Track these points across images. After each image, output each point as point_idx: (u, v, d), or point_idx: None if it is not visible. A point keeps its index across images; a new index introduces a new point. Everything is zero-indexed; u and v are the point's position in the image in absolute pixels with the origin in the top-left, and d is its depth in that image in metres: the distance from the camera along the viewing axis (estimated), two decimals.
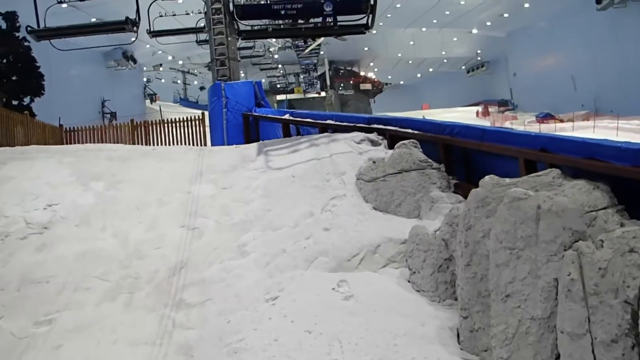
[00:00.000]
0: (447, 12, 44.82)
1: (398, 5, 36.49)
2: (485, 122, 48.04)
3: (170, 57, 53.78)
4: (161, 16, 16.46)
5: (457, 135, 5.55)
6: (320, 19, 7.84)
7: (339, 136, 7.13)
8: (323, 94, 58.85)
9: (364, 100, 65.31)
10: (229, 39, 10.98)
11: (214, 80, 11.35)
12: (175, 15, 17.32)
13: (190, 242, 5.61)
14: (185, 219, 5.98)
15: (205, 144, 13.41)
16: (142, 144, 13.65)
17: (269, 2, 8.23)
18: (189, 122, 13.82)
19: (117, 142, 13.43)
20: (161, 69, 56.71)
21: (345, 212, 5.57)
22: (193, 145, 13.62)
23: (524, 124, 39.01)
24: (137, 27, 8.92)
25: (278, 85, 61.96)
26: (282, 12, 7.84)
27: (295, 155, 6.87)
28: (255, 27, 8.65)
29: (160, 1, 14.44)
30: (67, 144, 13.27)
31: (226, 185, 6.47)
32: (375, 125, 6.97)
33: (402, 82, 75.23)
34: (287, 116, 9.38)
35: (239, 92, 10.83)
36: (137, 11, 8.91)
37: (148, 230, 5.87)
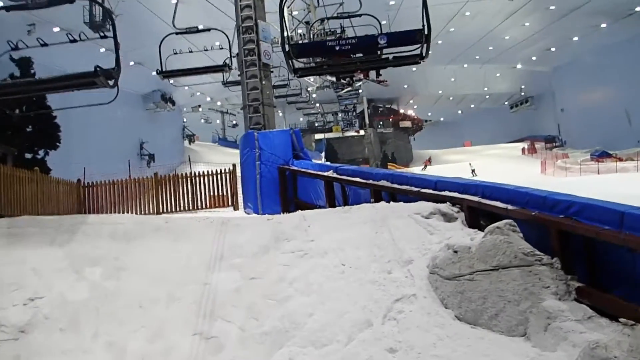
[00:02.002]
0: (491, 48, 43.74)
1: (439, 42, 35.31)
2: (532, 160, 46.06)
3: (208, 99, 54.05)
4: (175, 53, 14.77)
5: (577, 217, 3.89)
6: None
7: (400, 207, 5.54)
8: (362, 132, 57.84)
9: (403, 138, 64.07)
10: (264, 82, 9.76)
11: (246, 129, 10.06)
12: (191, 52, 15.71)
13: None
14: (200, 323, 4.51)
15: (236, 199, 12.13)
16: (167, 199, 12.52)
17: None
18: (219, 175, 12.58)
19: (140, 198, 12.30)
20: (200, 109, 56.98)
21: (417, 323, 3.98)
22: (223, 200, 12.40)
23: (577, 162, 36.75)
24: (116, 79, 6.82)
25: (316, 124, 61.39)
26: (337, 48, 7.34)
27: (344, 233, 5.28)
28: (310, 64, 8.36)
29: (174, 36, 12.53)
30: (85, 200, 12.24)
31: (255, 275, 4.96)
32: (447, 193, 5.36)
33: (442, 119, 73.95)
34: (330, 172, 7.95)
35: (275, 143, 9.53)
36: (117, 59, 6.80)
37: (152, 339, 4.42)
